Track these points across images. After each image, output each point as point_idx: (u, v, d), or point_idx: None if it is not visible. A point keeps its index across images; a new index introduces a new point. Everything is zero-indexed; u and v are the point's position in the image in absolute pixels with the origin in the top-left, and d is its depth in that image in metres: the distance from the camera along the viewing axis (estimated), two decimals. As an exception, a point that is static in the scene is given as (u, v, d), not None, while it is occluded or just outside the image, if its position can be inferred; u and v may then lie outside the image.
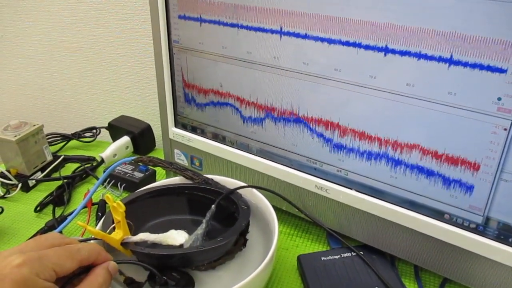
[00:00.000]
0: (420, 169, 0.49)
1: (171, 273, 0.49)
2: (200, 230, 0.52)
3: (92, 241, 0.49)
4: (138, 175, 0.76)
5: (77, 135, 0.95)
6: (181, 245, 0.50)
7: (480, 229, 0.48)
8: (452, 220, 0.49)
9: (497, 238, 0.47)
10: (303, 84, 0.54)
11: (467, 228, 0.48)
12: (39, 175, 0.80)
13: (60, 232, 0.64)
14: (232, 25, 0.57)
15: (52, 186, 0.78)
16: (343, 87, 0.51)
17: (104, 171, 0.65)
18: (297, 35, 0.52)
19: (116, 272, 0.43)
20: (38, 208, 0.73)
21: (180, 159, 0.74)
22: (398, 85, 0.47)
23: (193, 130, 0.70)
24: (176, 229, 0.52)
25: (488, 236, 0.47)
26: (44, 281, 0.36)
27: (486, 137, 0.43)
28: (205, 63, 0.63)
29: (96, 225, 0.54)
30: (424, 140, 0.48)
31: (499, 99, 0.41)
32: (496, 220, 0.46)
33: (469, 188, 0.47)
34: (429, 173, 0.49)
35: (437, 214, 0.50)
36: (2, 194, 0.77)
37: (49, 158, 0.82)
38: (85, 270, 0.41)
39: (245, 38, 0.57)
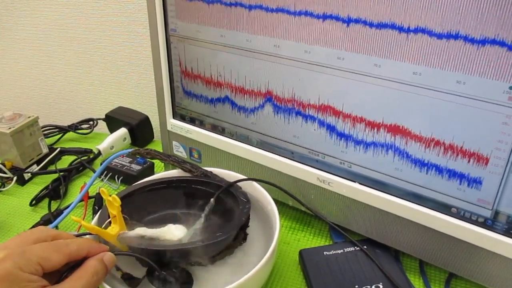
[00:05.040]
0: (426, 162, 0.47)
1: (169, 269, 0.48)
2: (198, 224, 0.51)
3: (87, 236, 0.48)
4: (136, 167, 0.75)
5: (74, 127, 0.94)
6: (179, 240, 0.49)
7: (489, 224, 0.46)
8: (460, 214, 0.48)
9: (506, 233, 0.45)
10: (305, 73, 0.52)
11: (475, 222, 0.47)
12: (35, 168, 0.79)
13: (56, 226, 0.62)
14: (229, 4, 0.54)
15: (48, 179, 0.76)
16: (347, 76, 0.49)
17: (101, 164, 0.64)
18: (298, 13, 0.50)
19: (113, 263, 0.42)
20: (34, 202, 0.71)
21: (179, 151, 0.72)
22: (404, 74, 0.45)
23: (192, 121, 0.68)
24: (174, 223, 0.51)
25: (496, 231, 0.46)
26: (30, 275, 0.35)
27: (496, 128, 0.42)
28: (203, 52, 0.61)
29: (92, 220, 0.52)
30: (431, 131, 0.46)
31: (511, 88, 0.40)
32: (505, 214, 0.45)
33: (478, 181, 0.45)
34: (436, 166, 0.47)
35: (444, 208, 0.48)
36: (-3, 187, 0.76)
37: (45, 150, 0.81)
38: (80, 264, 0.40)
39: (244, 24, 0.54)
